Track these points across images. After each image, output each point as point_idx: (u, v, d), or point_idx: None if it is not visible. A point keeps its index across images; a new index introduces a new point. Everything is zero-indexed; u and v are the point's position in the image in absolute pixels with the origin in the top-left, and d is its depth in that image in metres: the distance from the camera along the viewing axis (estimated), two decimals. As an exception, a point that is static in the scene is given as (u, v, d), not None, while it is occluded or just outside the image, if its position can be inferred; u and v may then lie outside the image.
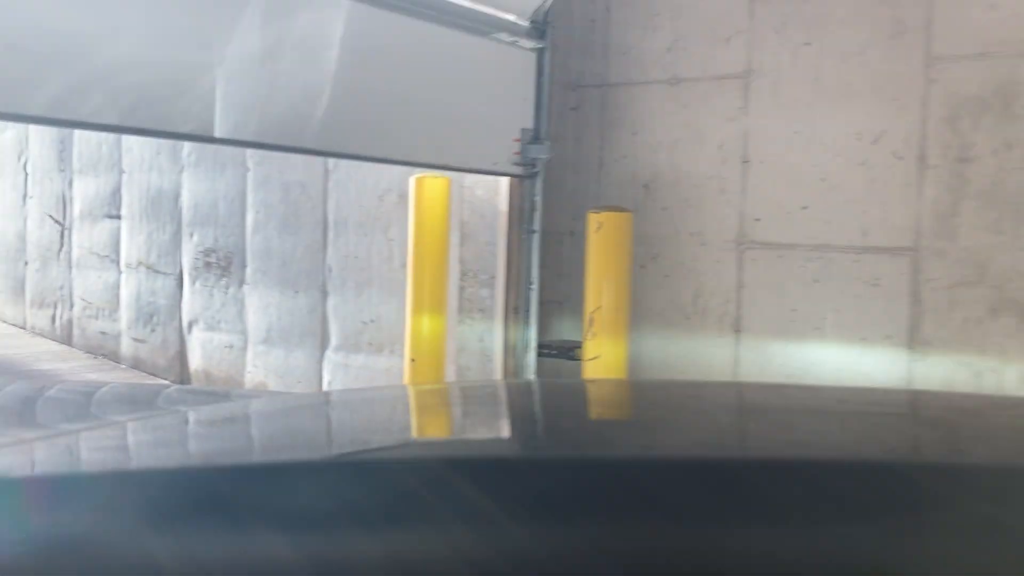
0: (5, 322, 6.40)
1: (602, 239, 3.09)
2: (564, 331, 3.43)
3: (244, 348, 4.88)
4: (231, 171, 4.89)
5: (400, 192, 4.16)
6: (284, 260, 4.65)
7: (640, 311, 3.27)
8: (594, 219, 3.11)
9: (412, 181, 3.58)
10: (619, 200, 3.38)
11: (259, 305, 4.78)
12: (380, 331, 4.24)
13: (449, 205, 3.53)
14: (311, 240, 4.53)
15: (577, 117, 3.54)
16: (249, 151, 4.78)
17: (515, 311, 3.30)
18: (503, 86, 3.22)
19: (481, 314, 3.44)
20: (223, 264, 4.95)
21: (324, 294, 4.48)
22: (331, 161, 4.42)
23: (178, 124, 2.31)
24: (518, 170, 3.24)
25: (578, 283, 3.51)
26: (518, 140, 3.22)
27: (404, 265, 4.13)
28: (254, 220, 4.79)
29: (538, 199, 3.27)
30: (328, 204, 4.45)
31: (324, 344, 4.50)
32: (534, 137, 3.27)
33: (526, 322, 3.25)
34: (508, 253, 3.30)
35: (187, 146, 5.13)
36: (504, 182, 3.33)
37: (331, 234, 4.44)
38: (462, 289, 3.55)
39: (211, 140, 2.42)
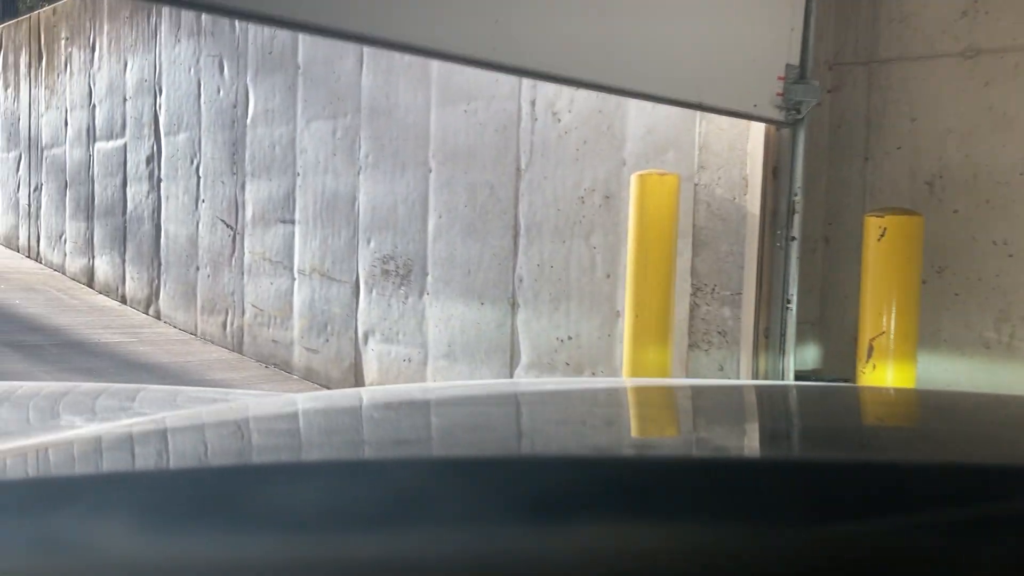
0: (176, 328, 6.31)
1: (885, 249, 2.49)
2: (820, 360, 2.85)
3: (424, 362, 4.51)
4: (412, 172, 4.53)
5: (606, 192, 3.67)
6: (469, 268, 4.24)
7: (920, 338, 2.65)
8: (874, 224, 2.52)
9: (633, 179, 3.08)
10: (893, 201, 2.76)
11: (441, 317, 4.40)
12: (579, 350, 3.76)
13: (678, 206, 3.01)
14: (499, 247, 4.10)
15: (835, 101, 2.94)
16: (431, 149, 4.40)
17: (765, 335, 2.74)
18: (767, 11, 2.64)
19: (721, 338, 2.90)
20: (402, 272, 4.60)
21: (514, 306, 4.04)
22: (523, 159, 3.99)
23: None
24: (779, 115, 2.65)
25: (836, 301, 2.92)
26: (782, 78, 2.64)
27: (609, 276, 3.64)
28: (436, 225, 4.41)
29: (798, 198, 2.69)
30: (520, 207, 4.01)
31: (513, 362, 4.06)
32: (799, 76, 2.68)
33: (780, 349, 2.68)
34: (759, 265, 2.74)
35: (364, 146, 4.82)
36: (757, 177, 2.78)
37: (522, 240, 4.00)
38: (694, 307, 3.01)
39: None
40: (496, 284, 4.12)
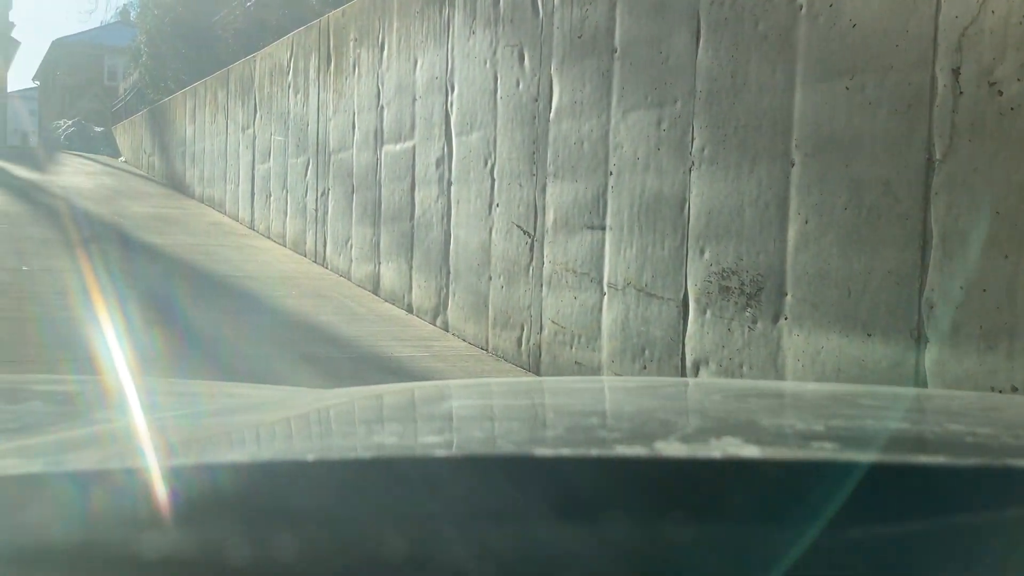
0: (466, 341, 5.85)
1: None
2: None
3: (777, 404, 3.63)
4: (765, 166, 3.68)
5: (1083, 190, 2.63)
6: (849, 288, 3.33)
7: None
8: None
9: None
10: None
11: (804, 348, 3.51)
12: (1031, 405, 2.74)
13: None
14: (898, 261, 3.15)
15: None
16: (795, 138, 3.53)
17: None
18: None
19: None
20: (748, 290, 3.76)
21: (919, 341, 3.08)
22: (938, 147, 3.01)
23: None
24: None
25: None
26: None
27: (1087, 306, 2.59)
28: (800, 232, 3.53)
29: None
30: (932, 209, 3.04)
31: (916, 413, 3.09)
32: None
33: None
34: None
35: (698, 138, 4.03)
36: None
37: (935, 253, 3.03)
38: None
39: None
40: (892, 310, 3.18)
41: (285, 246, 9.26)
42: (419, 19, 6.56)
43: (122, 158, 18.03)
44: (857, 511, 0.51)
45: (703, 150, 4.01)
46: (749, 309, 3.76)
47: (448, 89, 6.16)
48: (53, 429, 0.93)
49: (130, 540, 0.52)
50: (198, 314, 6.10)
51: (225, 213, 11.20)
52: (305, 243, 8.80)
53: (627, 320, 4.46)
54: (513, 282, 5.41)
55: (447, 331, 6.12)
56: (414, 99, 6.64)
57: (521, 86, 5.33)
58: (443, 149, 6.22)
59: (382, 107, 7.15)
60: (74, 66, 34.51)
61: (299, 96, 8.93)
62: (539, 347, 5.15)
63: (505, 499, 0.53)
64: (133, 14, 30.02)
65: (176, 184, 13.64)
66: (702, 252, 4.01)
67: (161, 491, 0.56)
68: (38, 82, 39.57)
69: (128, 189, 13.03)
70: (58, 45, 36.48)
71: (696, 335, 4.04)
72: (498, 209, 5.58)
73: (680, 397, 0.99)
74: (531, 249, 5.24)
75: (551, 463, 0.58)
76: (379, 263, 7.22)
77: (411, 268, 6.69)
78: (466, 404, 0.94)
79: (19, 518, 0.55)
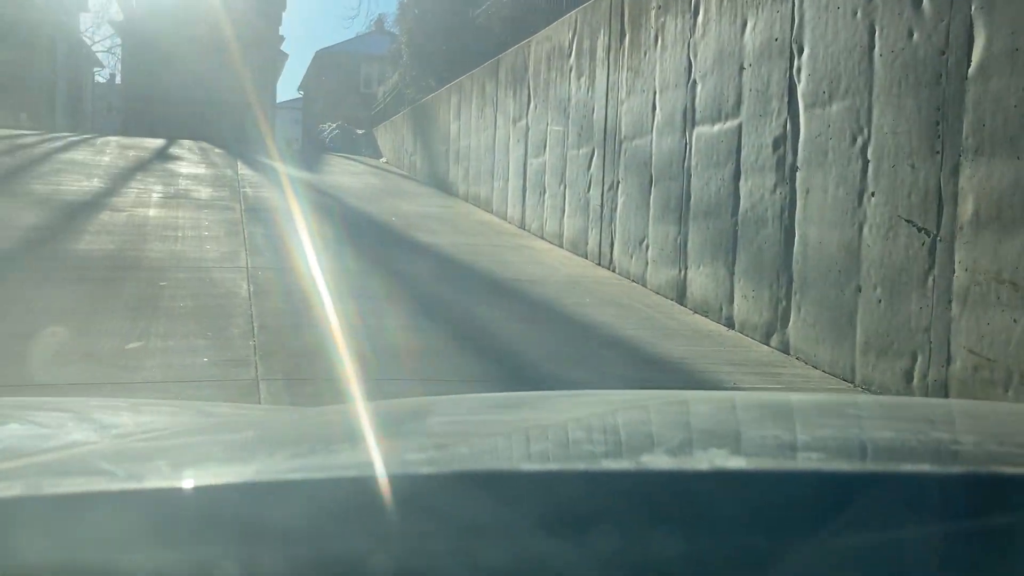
0: (819, 369, 4.62)
1: None
2: None
3: None
4: None
5: None
6: None
7: None
8: None
9: None
10: None
11: None
12: None
13: None
14: None
15: None
16: None
17: None
18: None
19: None
20: None
21: None
22: None
23: None
24: None
25: None
26: None
27: None
28: None
29: None
30: None
31: None
32: None
33: None
34: None
35: None
36: None
37: None
38: None
39: None
40: None
41: (562, 247, 8.40)
42: (750, -29, 5.40)
43: (383, 158, 18.20)
44: (844, 520, 0.50)
45: None
46: None
47: (793, 52, 4.96)
48: (31, 453, 0.90)
49: (114, 562, 0.50)
50: (493, 325, 5.29)
51: (492, 212, 10.57)
52: (586, 243, 7.89)
53: (1120, 356, 3.08)
54: (899, 295, 4.13)
55: (787, 353, 4.92)
56: (740, 68, 5.48)
57: (916, 37, 4.04)
58: (784, 127, 5.03)
59: (694, 82, 6.06)
60: (334, 75, 36.27)
61: (582, 80, 8.03)
62: (945, 384, 3.84)
63: (493, 515, 0.52)
64: (387, 23, 30.95)
65: (438, 183, 13.30)
66: None
67: (148, 513, 0.55)
68: (302, 92, 42.12)
69: (393, 188, 12.83)
70: (320, 55, 38.55)
71: None
72: (873, 199, 4.31)
73: (666, 410, 0.98)
74: (931, 252, 3.94)
75: (538, 478, 0.58)
76: (685, 267, 6.13)
77: (732, 274, 5.55)
78: (451, 420, 0.92)
79: (3, 541, 0.54)
